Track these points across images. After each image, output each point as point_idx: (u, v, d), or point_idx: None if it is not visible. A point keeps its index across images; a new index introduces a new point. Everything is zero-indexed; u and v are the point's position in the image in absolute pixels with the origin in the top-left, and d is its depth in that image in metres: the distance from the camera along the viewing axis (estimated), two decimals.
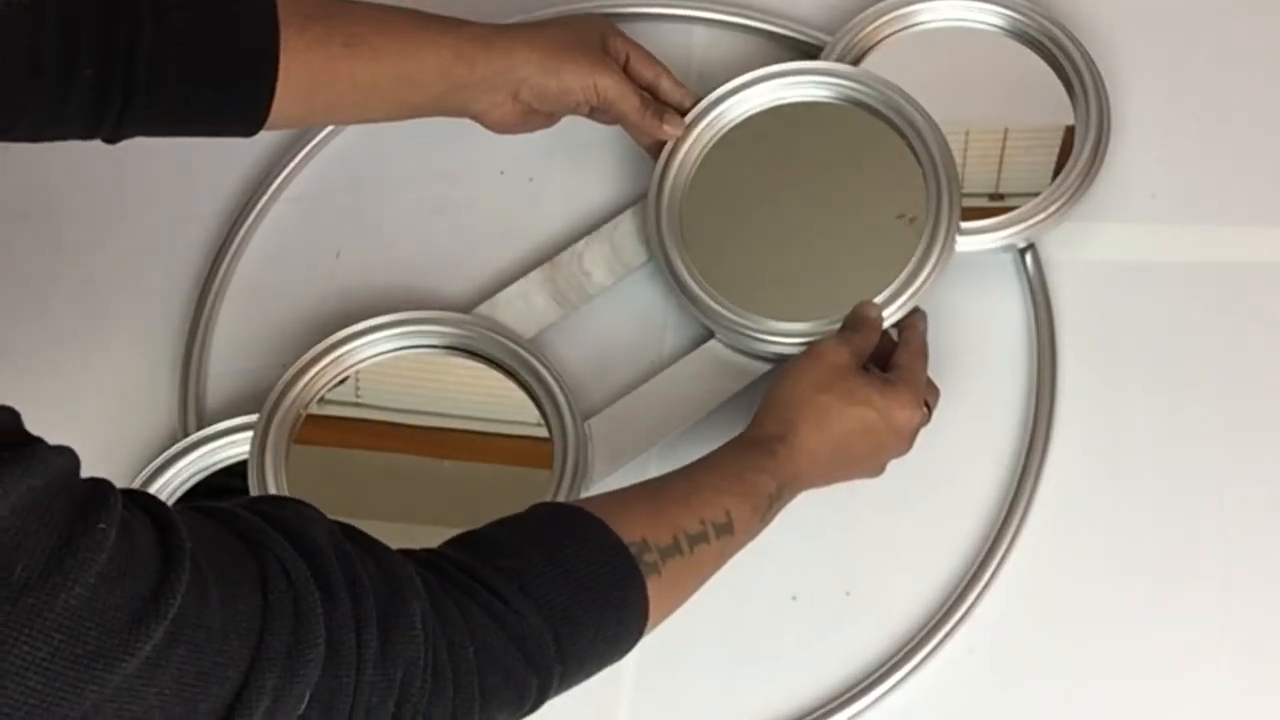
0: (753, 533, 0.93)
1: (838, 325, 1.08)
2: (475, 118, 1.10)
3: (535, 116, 1.11)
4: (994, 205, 1.14)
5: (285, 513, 0.73)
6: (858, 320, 1.06)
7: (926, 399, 1.03)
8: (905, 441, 1.02)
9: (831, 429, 0.98)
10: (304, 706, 0.67)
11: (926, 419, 1.03)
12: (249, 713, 0.65)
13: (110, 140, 0.99)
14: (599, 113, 1.12)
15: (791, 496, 0.97)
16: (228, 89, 0.98)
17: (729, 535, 0.90)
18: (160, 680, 0.61)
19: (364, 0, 1.03)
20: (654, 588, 0.84)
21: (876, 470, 1.03)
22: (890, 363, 1.04)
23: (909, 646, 1.03)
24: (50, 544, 0.58)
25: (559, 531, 0.84)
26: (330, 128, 1.23)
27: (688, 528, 0.88)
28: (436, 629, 0.74)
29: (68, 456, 0.61)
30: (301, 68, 0.98)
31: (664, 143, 1.14)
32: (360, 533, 0.76)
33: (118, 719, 0.60)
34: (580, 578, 0.81)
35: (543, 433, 1.09)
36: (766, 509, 0.94)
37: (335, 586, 0.70)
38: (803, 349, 1.04)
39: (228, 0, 0.97)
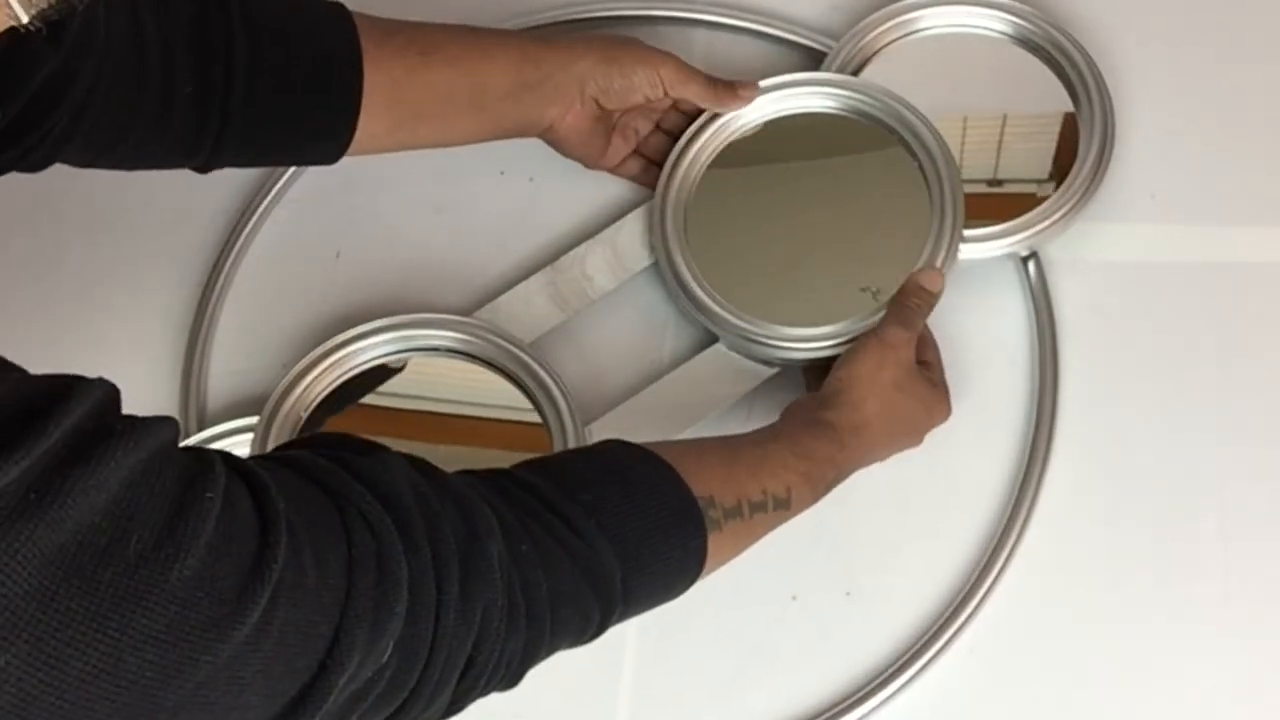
0: (803, 509, 0.96)
1: (838, 328, 1.08)
2: (549, 132, 1.12)
3: (604, 121, 1.13)
4: (993, 192, 1.14)
5: (366, 461, 0.73)
6: (918, 293, 1.07)
7: None
8: (923, 434, 1.05)
9: (894, 424, 1.01)
10: (387, 655, 0.69)
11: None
12: (341, 668, 0.65)
13: (204, 169, 1.00)
14: (659, 107, 1.15)
15: (845, 475, 0.99)
16: (319, 101, 1.01)
17: (784, 509, 0.93)
18: (265, 644, 0.61)
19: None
20: (713, 543, 0.86)
21: (889, 455, 1.05)
22: (922, 359, 1.06)
23: (912, 649, 1.03)
24: (162, 515, 0.58)
25: (635, 472, 0.86)
26: None
27: (751, 495, 0.90)
28: (512, 570, 0.76)
29: (171, 427, 0.62)
30: (384, 76, 1.02)
31: (656, 168, 1.17)
32: (434, 470, 0.78)
33: (228, 685, 0.60)
34: (653, 521, 0.83)
35: (543, 435, 1.09)
36: (823, 492, 0.97)
37: (416, 536, 0.71)
38: (865, 335, 1.05)
39: (311, 15, 1.00)
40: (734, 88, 1.15)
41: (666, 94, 1.12)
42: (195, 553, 0.58)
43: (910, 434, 1.03)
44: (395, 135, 1.07)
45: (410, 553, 0.70)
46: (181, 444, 0.64)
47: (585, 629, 0.82)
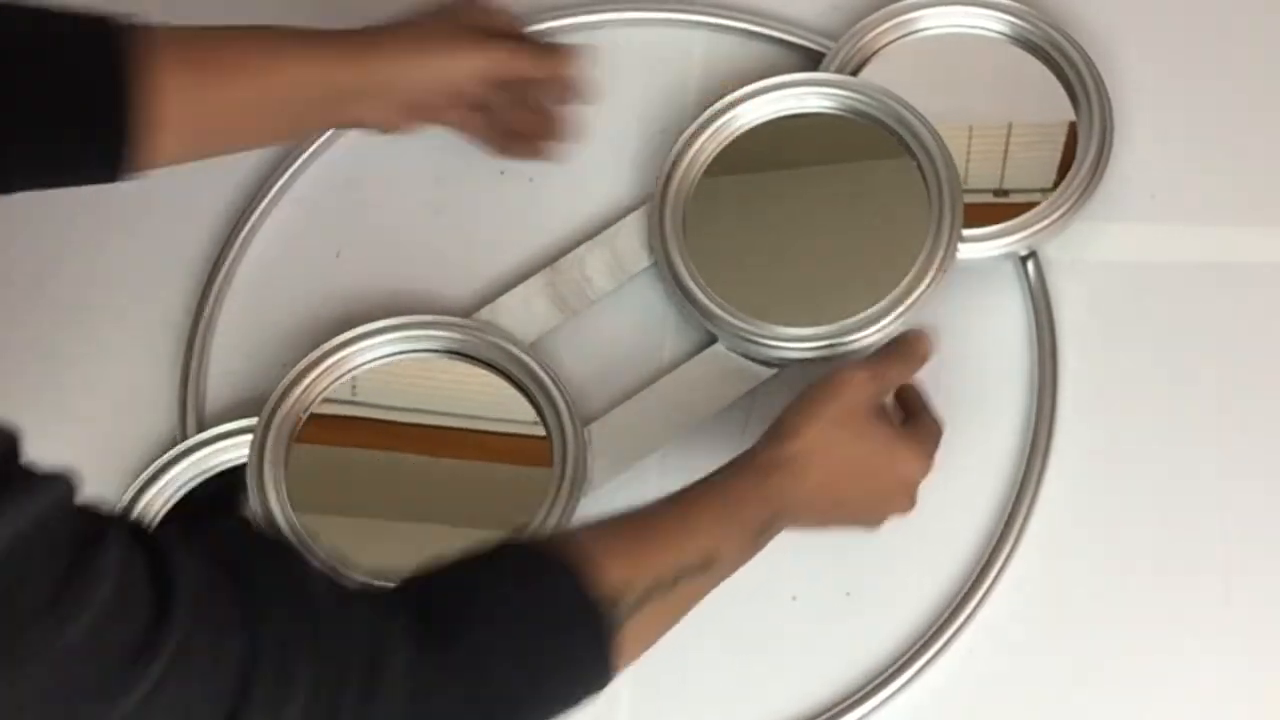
0: (740, 564, 0.92)
1: (839, 329, 1.08)
2: (363, 125, 1.11)
3: (422, 112, 1.11)
4: (999, 202, 1.14)
5: (278, 560, 0.71)
6: (904, 351, 1.02)
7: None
8: (907, 496, 1.00)
9: (836, 465, 0.95)
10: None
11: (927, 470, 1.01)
12: None
13: None
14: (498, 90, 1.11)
15: (782, 527, 0.95)
16: (77, 136, 0.93)
17: (716, 566, 0.89)
18: (150, 718, 0.60)
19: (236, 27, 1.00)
20: (631, 629, 0.82)
21: (874, 522, 1.00)
22: (909, 409, 1.03)
23: (912, 649, 1.03)
24: (55, 574, 0.56)
25: (531, 587, 0.81)
26: (331, 130, 1.23)
27: (669, 564, 0.86)
28: (407, 701, 0.72)
29: (66, 484, 0.60)
30: (176, 101, 0.94)
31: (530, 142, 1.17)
32: (340, 585, 0.75)
33: None
34: (525, 632, 0.79)
35: (542, 434, 1.09)
36: (755, 539, 0.93)
37: (323, 644, 0.68)
38: (826, 368, 1.00)
39: (67, 51, 0.91)
40: (557, 48, 1.12)
41: (496, 79, 1.09)
42: (84, 619, 0.57)
43: (865, 481, 0.98)
44: (201, 151, 1.01)
45: (315, 660, 0.68)
46: (80, 502, 0.62)
47: None
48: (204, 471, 1.10)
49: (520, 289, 1.15)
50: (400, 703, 0.71)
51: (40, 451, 0.66)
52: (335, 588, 0.73)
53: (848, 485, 0.97)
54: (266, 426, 1.08)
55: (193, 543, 0.68)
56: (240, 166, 1.23)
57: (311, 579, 0.71)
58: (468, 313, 1.14)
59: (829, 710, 1.01)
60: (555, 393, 1.09)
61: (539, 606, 0.80)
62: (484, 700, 0.77)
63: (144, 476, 1.09)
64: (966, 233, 1.11)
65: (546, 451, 1.07)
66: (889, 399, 1.02)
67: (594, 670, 0.81)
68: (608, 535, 0.87)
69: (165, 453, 1.10)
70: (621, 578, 0.82)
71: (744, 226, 1.15)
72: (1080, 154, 1.14)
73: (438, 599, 0.78)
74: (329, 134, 1.23)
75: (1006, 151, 1.18)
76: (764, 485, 0.93)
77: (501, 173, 1.21)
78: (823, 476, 0.95)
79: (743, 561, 0.92)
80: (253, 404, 1.11)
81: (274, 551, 0.73)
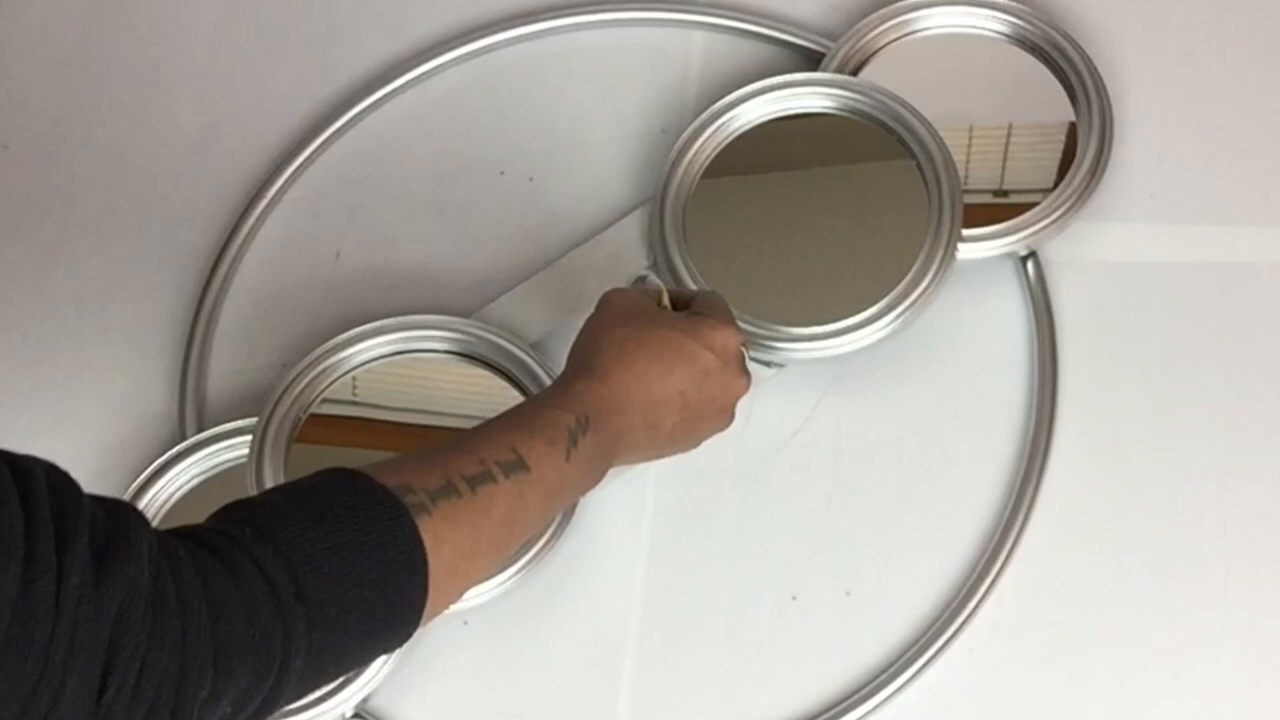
0: (566, 472, 0.87)
1: (839, 329, 1.08)
2: None
3: None
4: (999, 202, 1.14)
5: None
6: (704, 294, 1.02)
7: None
8: (731, 368, 0.96)
9: (636, 358, 0.93)
10: None
11: (747, 349, 0.99)
12: None
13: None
14: None
15: (610, 436, 0.91)
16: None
17: (523, 471, 0.84)
18: None
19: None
20: (429, 526, 0.77)
21: (716, 412, 0.97)
22: (681, 303, 1.00)
23: (912, 649, 1.03)
24: None
25: (315, 483, 0.78)
26: (330, 128, 1.23)
27: (465, 469, 0.82)
28: (164, 564, 0.67)
29: None
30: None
31: None
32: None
33: None
34: (323, 515, 0.75)
35: None
36: (569, 443, 0.88)
37: (37, 501, 0.64)
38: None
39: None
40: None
41: None
42: None
43: (671, 362, 0.93)
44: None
45: (27, 510, 0.63)
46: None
47: (268, 646, 0.71)
48: (205, 470, 1.10)
49: (520, 289, 1.15)
50: (139, 569, 0.66)
51: (41, 451, 0.66)
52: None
53: (655, 371, 0.93)
54: (266, 426, 1.08)
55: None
56: (240, 166, 1.23)
57: (47, 467, 0.67)
58: (468, 313, 1.13)
59: (829, 710, 1.01)
60: None
61: (329, 488, 0.77)
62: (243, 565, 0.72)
63: (144, 476, 1.09)
64: (966, 233, 1.11)
65: None
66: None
67: (399, 549, 0.76)
68: (399, 456, 0.83)
69: (165, 452, 1.10)
70: (402, 481, 0.78)
71: (744, 226, 1.15)
72: (1080, 154, 1.14)
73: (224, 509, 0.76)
74: (329, 133, 1.24)
75: (1006, 151, 1.18)
76: (564, 392, 0.91)
77: (501, 173, 1.22)
78: (627, 373, 0.93)
79: (574, 472, 0.88)
80: (254, 402, 1.11)
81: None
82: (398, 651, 1.00)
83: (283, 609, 0.71)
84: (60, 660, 0.62)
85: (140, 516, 0.68)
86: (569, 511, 1.04)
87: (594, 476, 0.91)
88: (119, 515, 0.68)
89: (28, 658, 0.61)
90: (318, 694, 1.00)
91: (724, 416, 0.99)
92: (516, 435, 0.86)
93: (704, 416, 0.97)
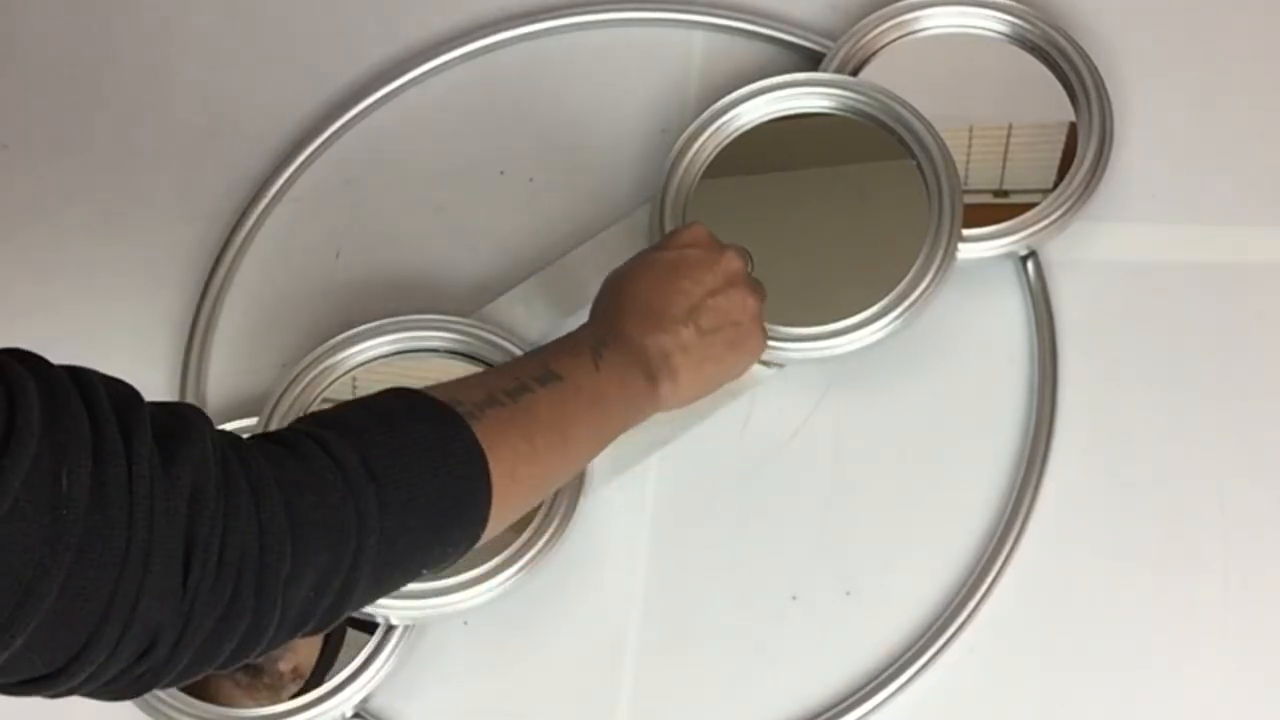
0: (600, 381, 0.92)
1: (839, 329, 1.08)
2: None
3: None
4: (999, 202, 1.14)
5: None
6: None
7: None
8: (719, 252, 1.00)
9: (621, 289, 0.99)
10: (69, 486, 0.62)
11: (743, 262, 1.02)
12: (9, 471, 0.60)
13: None
14: None
15: (629, 347, 0.95)
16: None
17: (557, 380, 0.89)
18: None
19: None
20: (481, 431, 0.81)
21: (737, 306, 0.99)
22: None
23: (912, 649, 1.03)
24: None
25: (379, 396, 0.82)
26: (330, 128, 1.23)
27: (503, 386, 0.86)
28: (229, 450, 0.70)
29: None
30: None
31: None
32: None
33: None
34: (387, 415, 0.79)
35: None
36: (593, 355, 0.92)
37: (97, 397, 0.66)
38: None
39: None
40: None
41: None
42: None
43: (673, 271, 0.98)
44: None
45: (87, 393, 0.65)
46: None
47: (342, 523, 0.73)
48: None
49: (520, 289, 1.15)
50: (203, 449, 0.68)
51: None
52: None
53: (643, 283, 0.99)
54: (266, 427, 1.08)
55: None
56: (241, 165, 1.23)
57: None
58: (468, 313, 1.13)
59: (829, 710, 1.01)
60: None
61: (389, 394, 0.82)
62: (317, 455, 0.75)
63: None
64: (966, 233, 1.11)
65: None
66: None
67: (455, 438, 0.81)
68: (436, 385, 0.86)
69: None
70: (451, 397, 0.83)
71: (744, 226, 1.14)
72: (1080, 154, 1.14)
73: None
74: (329, 132, 1.24)
75: (1006, 152, 1.18)
76: (585, 328, 0.97)
77: (501, 173, 1.22)
78: (615, 296, 0.99)
79: (609, 384, 0.92)
80: (254, 403, 1.11)
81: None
82: (398, 651, 1.01)
83: (352, 487, 0.74)
84: (142, 541, 0.64)
85: (200, 412, 0.72)
86: (569, 511, 1.04)
87: (634, 388, 0.95)
88: (179, 410, 0.71)
89: (110, 544, 0.63)
90: (319, 692, 1.00)
91: (741, 291, 1.00)
92: (545, 355, 0.92)
93: (719, 303, 0.99)
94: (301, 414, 1.08)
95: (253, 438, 0.74)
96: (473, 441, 0.81)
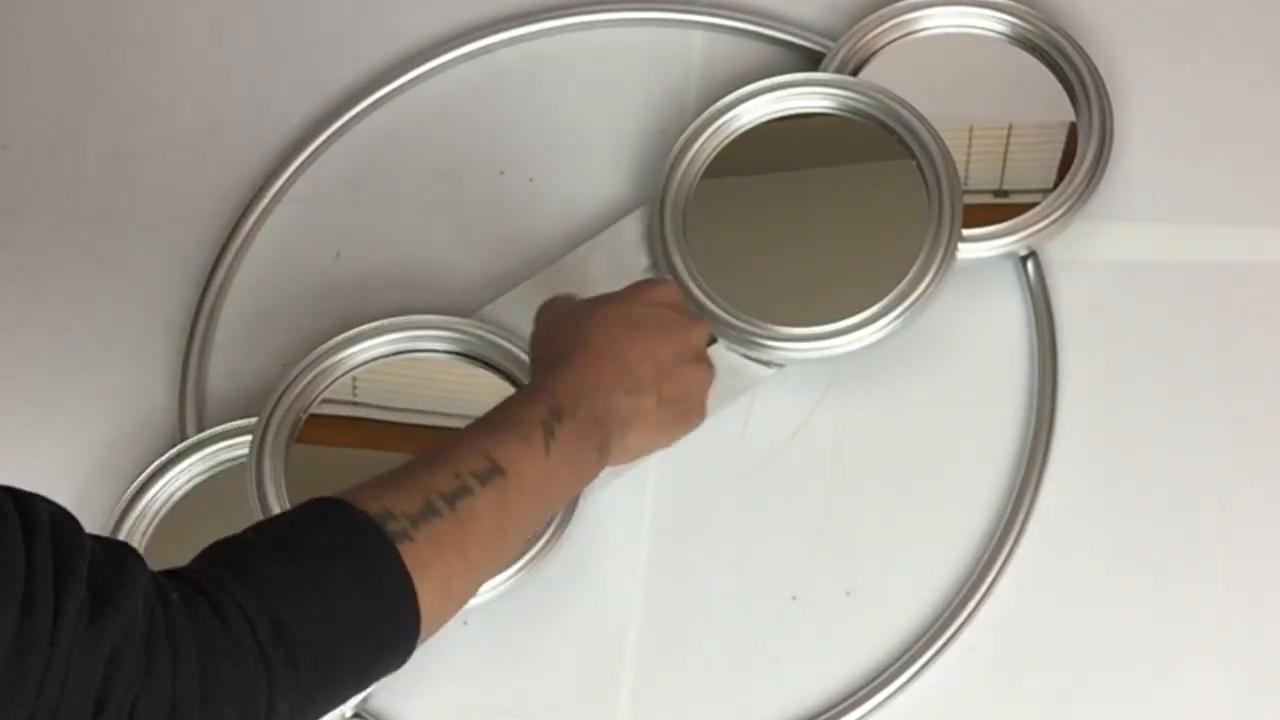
0: (549, 468, 0.86)
1: (839, 329, 1.08)
2: None
3: None
4: (999, 203, 1.14)
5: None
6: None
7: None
8: (682, 317, 0.97)
9: (593, 337, 0.93)
10: None
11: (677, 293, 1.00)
12: None
13: None
14: None
15: (588, 418, 0.89)
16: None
17: (500, 477, 0.83)
18: None
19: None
20: (412, 553, 0.77)
21: (686, 361, 0.96)
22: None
23: (912, 649, 1.03)
24: None
25: (297, 518, 0.78)
26: (330, 128, 1.24)
27: (441, 486, 0.81)
28: (158, 607, 0.68)
29: None
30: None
31: None
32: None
33: None
34: (303, 554, 0.74)
35: None
36: (545, 435, 0.86)
37: (39, 539, 0.64)
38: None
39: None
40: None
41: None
42: None
43: (630, 328, 0.94)
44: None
45: (31, 543, 0.64)
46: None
47: (254, 689, 0.71)
48: (204, 470, 1.10)
49: (521, 289, 1.15)
50: (134, 613, 0.67)
51: (42, 450, 0.66)
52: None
53: (617, 338, 0.94)
54: (266, 426, 1.08)
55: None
56: (241, 165, 1.23)
57: (53, 508, 0.68)
58: (468, 313, 1.13)
59: (829, 710, 1.01)
60: None
61: (313, 522, 0.77)
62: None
63: (144, 476, 1.09)
64: (966, 233, 1.11)
65: None
66: None
67: (384, 581, 0.76)
68: (374, 478, 0.82)
69: (165, 452, 1.10)
70: (383, 508, 0.77)
71: (744, 226, 1.15)
72: (1080, 154, 1.14)
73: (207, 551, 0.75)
74: (329, 133, 1.24)
75: (1006, 152, 1.18)
76: (532, 388, 0.91)
77: (501, 173, 1.22)
78: (585, 348, 0.93)
79: (557, 468, 0.87)
80: (254, 403, 1.11)
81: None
82: None
83: (264, 651, 0.71)
84: (53, 697, 0.63)
85: (138, 559, 0.69)
86: (569, 511, 1.04)
87: (584, 466, 0.90)
88: (118, 556, 0.68)
89: (22, 695, 0.62)
90: None
91: (702, 367, 0.98)
92: (489, 440, 0.85)
93: (683, 374, 0.96)
94: (301, 415, 1.09)
95: (178, 580, 0.71)
96: (400, 575, 0.76)
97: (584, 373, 0.92)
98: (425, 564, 0.77)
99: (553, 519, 1.02)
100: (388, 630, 0.77)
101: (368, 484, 0.81)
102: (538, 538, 1.03)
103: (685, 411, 0.97)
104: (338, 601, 0.74)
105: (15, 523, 0.63)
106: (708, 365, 0.99)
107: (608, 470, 1.06)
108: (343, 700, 0.77)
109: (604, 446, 0.91)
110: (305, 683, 0.73)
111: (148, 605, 0.67)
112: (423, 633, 0.78)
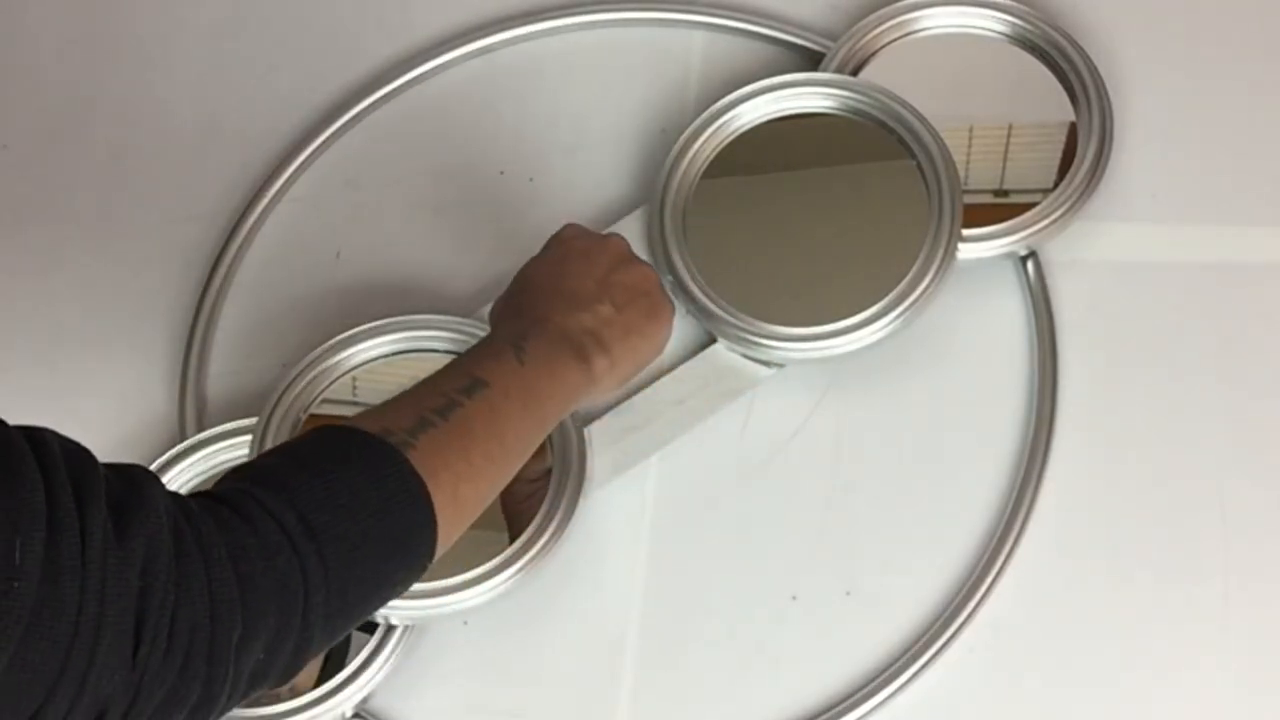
0: (528, 376, 0.91)
1: (839, 329, 1.08)
2: None
3: None
4: (999, 203, 1.14)
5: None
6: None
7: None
8: (602, 240, 1.03)
9: (525, 282, 1.01)
10: (21, 558, 0.62)
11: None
12: None
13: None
14: None
15: (546, 334, 0.95)
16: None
17: (484, 388, 0.88)
18: None
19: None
20: (417, 458, 0.80)
21: (635, 282, 1.01)
22: None
23: (912, 649, 1.03)
24: None
25: (308, 439, 0.82)
26: (330, 128, 1.24)
27: (431, 404, 0.85)
28: (180, 517, 0.70)
29: None
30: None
31: None
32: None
33: None
34: (319, 464, 0.78)
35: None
36: (515, 352, 0.92)
37: (53, 465, 0.65)
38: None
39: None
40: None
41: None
42: None
43: (542, 260, 1.02)
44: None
45: (44, 464, 0.65)
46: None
47: (288, 583, 0.73)
48: (205, 470, 1.10)
49: None
50: (157, 523, 0.68)
51: None
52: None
53: (544, 272, 1.01)
54: (266, 426, 1.08)
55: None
56: (241, 165, 1.24)
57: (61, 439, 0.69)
58: (468, 312, 1.13)
59: (829, 710, 1.01)
60: None
61: (315, 439, 0.81)
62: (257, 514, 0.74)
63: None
64: (966, 233, 1.11)
65: (546, 451, 1.07)
66: None
67: (393, 476, 0.80)
68: (368, 411, 0.86)
69: (165, 452, 1.10)
70: (382, 427, 0.82)
71: (744, 226, 1.15)
72: (1080, 154, 1.14)
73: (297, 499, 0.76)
74: (329, 132, 1.24)
75: (1006, 151, 1.18)
76: (498, 329, 0.97)
77: (501, 173, 1.22)
78: (520, 290, 1.00)
79: (537, 377, 0.92)
80: (253, 403, 1.11)
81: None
82: (398, 651, 1.01)
83: (296, 546, 0.73)
84: (93, 615, 0.64)
85: (152, 475, 0.71)
86: (569, 511, 1.04)
87: (567, 376, 0.95)
88: (132, 476, 0.70)
89: (61, 616, 0.63)
90: (319, 692, 1.00)
91: (639, 265, 1.03)
92: (467, 362, 0.92)
93: (625, 275, 1.01)
94: (300, 415, 1.09)
95: (197, 497, 0.74)
96: (411, 474, 0.80)
97: (531, 310, 0.97)
98: (431, 469, 0.81)
99: (546, 431, 0.98)
100: (406, 529, 0.80)
101: (364, 414, 0.85)
102: (540, 533, 1.03)
103: (650, 306, 1.01)
104: (358, 503, 0.77)
105: (29, 455, 0.64)
106: (642, 262, 1.03)
107: (608, 470, 1.07)
108: (372, 607, 0.81)
109: (583, 356, 0.96)
110: (335, 578, 0.75)
111: (170, 517, 0.69)
112: (440, 537, 0.81)
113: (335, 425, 0.82)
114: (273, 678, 0.74)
